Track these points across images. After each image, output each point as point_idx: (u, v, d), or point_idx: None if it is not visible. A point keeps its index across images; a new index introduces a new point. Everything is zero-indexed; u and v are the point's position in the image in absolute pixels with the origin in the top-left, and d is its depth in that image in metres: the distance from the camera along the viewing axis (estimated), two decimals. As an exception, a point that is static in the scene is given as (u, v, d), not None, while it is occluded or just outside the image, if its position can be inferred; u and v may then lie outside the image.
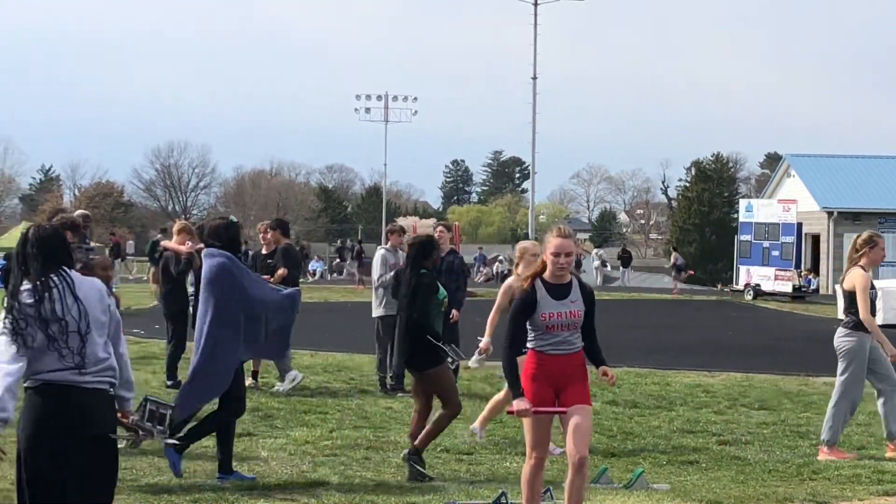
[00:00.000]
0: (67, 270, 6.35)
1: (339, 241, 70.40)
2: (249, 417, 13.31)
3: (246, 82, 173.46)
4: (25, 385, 6.21)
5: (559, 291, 8.06)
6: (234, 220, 10.67)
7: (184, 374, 14.48)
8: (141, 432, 6.60)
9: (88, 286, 6.39)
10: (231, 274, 9.98)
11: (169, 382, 15.51)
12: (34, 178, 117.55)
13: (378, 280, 16.00)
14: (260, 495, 9.54)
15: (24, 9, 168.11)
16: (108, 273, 9.91)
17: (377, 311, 16.00)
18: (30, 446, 6.17)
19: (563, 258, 8.01)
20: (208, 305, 9.97)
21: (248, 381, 15.58)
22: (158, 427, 6.68)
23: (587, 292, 8.18)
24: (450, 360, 10.91)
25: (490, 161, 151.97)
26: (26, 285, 6.22)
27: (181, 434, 9.87)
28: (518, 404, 7.89)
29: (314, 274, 63.14)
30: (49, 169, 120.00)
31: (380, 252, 16.61)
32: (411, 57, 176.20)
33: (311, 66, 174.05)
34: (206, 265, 10.15)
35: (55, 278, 6.25)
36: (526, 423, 8.06)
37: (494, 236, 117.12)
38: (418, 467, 10.35)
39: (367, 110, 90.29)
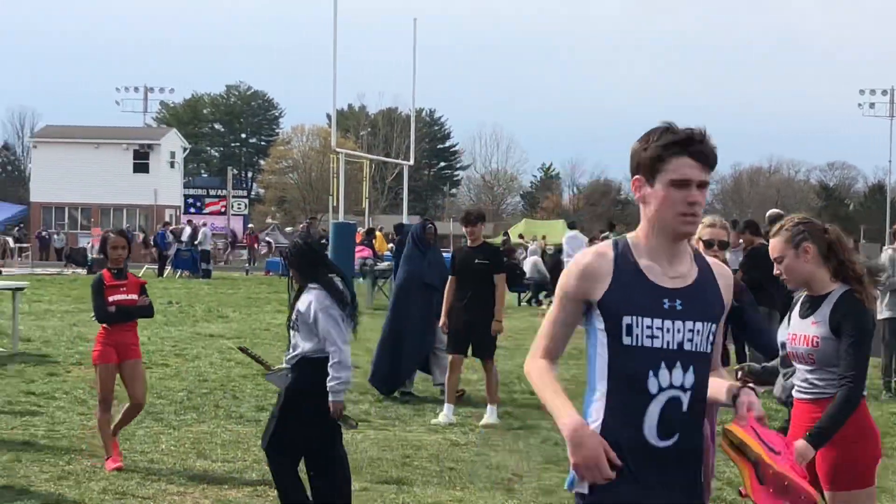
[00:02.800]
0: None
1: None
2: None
3: (748, 78, 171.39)
4: (313, 357, 7.78)
5: (809, 307, 5.78)
6: None
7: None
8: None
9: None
10: None
11: None
12: (534, 177, 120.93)
13: (885, 280, 15.43)
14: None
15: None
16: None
17: (883, 314, 15.44)
18: (320, 406, 7.69)
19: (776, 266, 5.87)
20: None
21: None
22: None
23: (841, 310, 5.59)
24: None
25: None
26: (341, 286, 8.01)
27: None
28: None
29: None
30: (549, 167, 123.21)
31: (887, 252, 16.07)
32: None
33: (816, 62, 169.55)
34: None
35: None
36: None
37: None
38: None
39: (872, 105, 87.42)
